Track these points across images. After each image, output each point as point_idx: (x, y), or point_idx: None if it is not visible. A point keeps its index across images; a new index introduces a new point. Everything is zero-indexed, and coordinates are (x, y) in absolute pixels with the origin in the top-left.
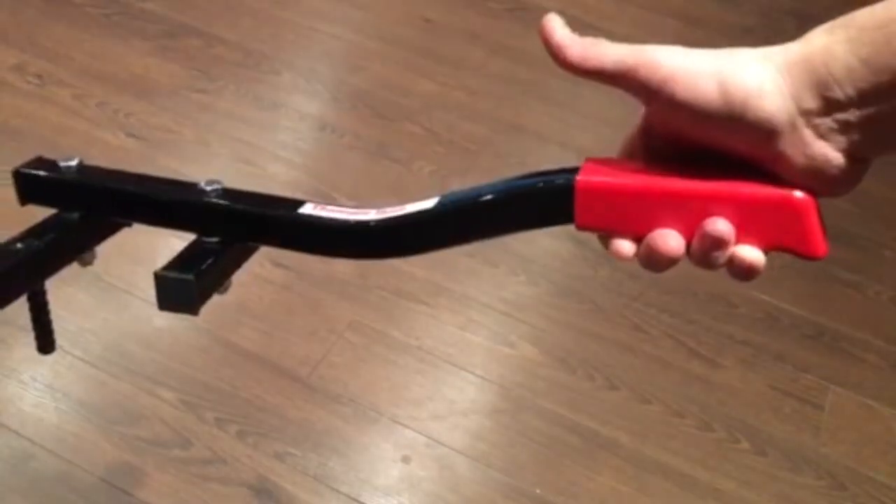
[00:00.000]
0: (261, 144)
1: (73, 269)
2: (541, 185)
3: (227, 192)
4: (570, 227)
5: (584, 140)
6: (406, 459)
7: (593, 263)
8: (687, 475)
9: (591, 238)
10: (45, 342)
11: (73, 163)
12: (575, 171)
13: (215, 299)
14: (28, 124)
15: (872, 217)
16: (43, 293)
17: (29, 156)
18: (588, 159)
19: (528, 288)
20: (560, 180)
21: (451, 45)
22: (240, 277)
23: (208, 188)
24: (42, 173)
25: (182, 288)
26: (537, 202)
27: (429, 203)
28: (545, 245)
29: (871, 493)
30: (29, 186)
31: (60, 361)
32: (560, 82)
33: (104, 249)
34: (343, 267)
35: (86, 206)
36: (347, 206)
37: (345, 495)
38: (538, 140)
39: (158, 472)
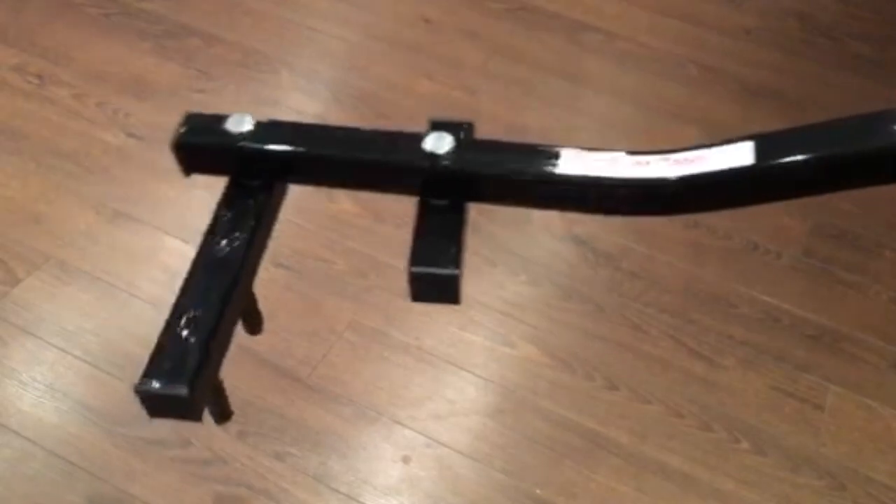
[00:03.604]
0: None
1: (73, 268)
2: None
3: (463, 148)
4: (570, 228)
5: (585, 140)
6: (406, 459)
7: (594, 264)
8: (687, 475)
9: (592, 238)
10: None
11: (246, 127)
12: None
13: None
14: (28, 124)
15: (872, 217)
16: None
17: (29, 155)
18: None
19: (529, 288)
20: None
21: (451, 45)
22: None
23: (439, 151)
24: (213, 141)
25: (445, 284)
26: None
27: (745, 152)
28: (546, 245)
29: (871, 493)
30: (195, 157)
31: (60, 361)
32: (560, 82)
33: (104, 250)
34: (343, 267)
35: (274, 173)
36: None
37: (344, 495)
38: (538, 140)
39: (158, 471)
